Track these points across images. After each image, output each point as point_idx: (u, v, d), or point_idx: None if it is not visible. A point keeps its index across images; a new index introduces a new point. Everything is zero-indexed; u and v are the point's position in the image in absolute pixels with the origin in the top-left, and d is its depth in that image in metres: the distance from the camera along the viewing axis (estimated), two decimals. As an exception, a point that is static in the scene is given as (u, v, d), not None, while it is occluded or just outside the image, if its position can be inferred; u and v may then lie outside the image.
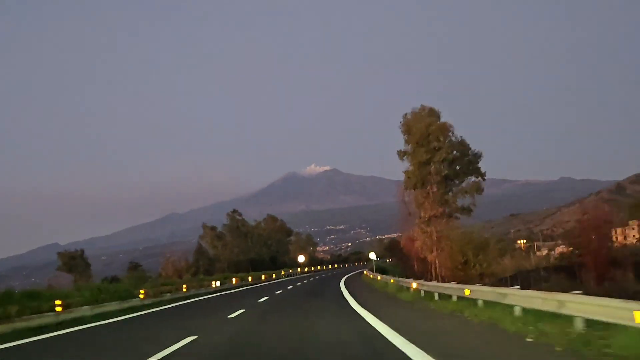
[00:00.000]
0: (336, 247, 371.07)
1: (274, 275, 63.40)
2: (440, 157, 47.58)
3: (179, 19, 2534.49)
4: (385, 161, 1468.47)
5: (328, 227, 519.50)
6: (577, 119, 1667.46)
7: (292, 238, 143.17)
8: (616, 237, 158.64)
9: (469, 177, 49.48)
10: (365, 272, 63.60)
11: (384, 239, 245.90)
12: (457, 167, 49.23)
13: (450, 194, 50.38)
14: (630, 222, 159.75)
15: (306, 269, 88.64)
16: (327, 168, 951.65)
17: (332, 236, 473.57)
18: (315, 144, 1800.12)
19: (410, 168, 49.87)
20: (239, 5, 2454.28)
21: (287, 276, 71.78)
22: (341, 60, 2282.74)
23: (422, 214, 49.88)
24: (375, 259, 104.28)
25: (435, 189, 49.87)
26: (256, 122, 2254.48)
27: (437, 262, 48.93)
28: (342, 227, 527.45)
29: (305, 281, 53.44)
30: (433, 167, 49.32)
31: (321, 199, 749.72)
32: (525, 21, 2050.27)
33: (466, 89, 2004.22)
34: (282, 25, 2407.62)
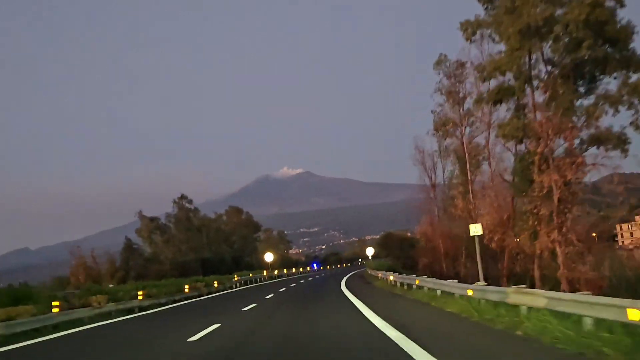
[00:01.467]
0: (310, 249, 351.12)
1: (216, 284, 34.16)
2: (573, 17, 19.92)
3: (151, 25, 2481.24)
4: (359, 163, 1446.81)
5: (302, 230, 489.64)
6: None
7: (261, 235, 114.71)
8: (622, 234, 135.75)
9: (623, 71, 21.96)
10: (381, 276, 36.12)
11: (365, 240, 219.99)
12: (599, 48, 21.61)
13: (579, 102, 22.73)
14: (637, 218, 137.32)
15: (276, 272, 60.24)
16: (300, 170, 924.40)
17: (306, 239, 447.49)
18: (288, 146, 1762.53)
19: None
20: (217, 12, 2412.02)
21: (245, 284, 43.47)
22: (312, 63, 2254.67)
23: (532, 149, 22.08)
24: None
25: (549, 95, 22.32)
26: (229, 125, 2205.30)
27: (560, 249, 21.23)
28: (315, 229, 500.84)
29: (269, 296, 25.43)
30: (549, 43, 21.77)
31: (294, 202, 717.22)
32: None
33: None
34: (254, 29, 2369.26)
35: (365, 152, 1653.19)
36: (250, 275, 47.84)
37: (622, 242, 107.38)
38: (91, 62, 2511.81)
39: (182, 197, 79.92)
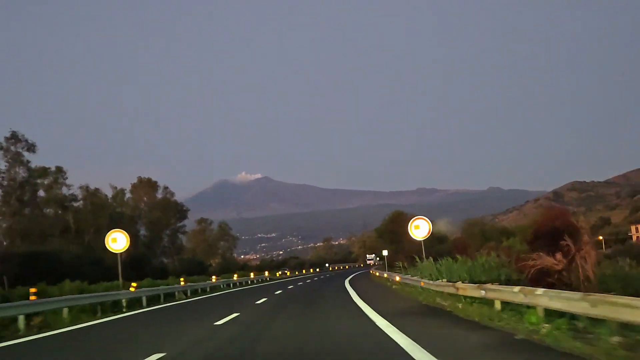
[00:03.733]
0: (267, 255, 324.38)
1: None
2: None
3: (111, 22, 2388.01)
4: (318, 169, 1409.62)
5: (259, 235, 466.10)
6: (503, 134, 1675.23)
7: (195, 225, 76.06)
8: (637, 236, 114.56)
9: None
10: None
11: (332, 242, 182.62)
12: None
13: None
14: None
15: (133, 286, 20.60)
16: (258, 176, 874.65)
17: (264, 244, 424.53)
18: (245, 151, 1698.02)
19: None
20: (174, 13, 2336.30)
21: None
22: (271, 67, 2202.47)
23: None
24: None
25: None
26: (186, 130, 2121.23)
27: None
28: (273, 234, 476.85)
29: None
30: None
31: (252, 207, 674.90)
32: (457, 41, 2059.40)
33: (402, 103, 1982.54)
34: (211, 31, 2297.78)
35: (324, 158, 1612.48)
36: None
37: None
38: (50, 55, 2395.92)
39: (14, 137, 39.77)
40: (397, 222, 44.22)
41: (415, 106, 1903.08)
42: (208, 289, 28.51)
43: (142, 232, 61.41)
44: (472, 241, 36.37)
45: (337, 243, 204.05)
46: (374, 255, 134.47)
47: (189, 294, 25.41)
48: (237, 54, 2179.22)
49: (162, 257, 61.46)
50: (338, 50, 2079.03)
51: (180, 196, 70.05)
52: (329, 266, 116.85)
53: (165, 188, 63.59)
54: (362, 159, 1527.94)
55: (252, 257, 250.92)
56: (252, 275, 41.26)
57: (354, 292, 20.68)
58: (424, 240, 20.62)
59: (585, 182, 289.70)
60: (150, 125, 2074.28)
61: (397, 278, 22.26)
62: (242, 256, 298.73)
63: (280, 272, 53.03)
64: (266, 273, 44.52)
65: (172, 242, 63.03)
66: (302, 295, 22.41)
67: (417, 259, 21.97)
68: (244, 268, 75.33)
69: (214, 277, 32.64)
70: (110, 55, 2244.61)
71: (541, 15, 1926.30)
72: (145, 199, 61.83)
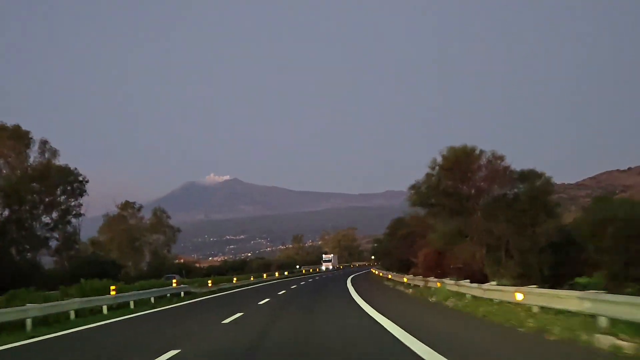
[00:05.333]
0: (235, 257, 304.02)
1: None
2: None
3: (79, 23, 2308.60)
4: (288, 171, 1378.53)
5: (228, 237, 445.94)
6: (476, 139, 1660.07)
7: (112, 210, 51.29)
8: None
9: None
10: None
11: (303, 243, 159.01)
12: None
13: None
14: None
15: None
16: (227, 177, 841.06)
17: (232, 246, 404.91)
18: (214, 153, 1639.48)
19: None
20: (145, 16, 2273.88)
21: None
22: (241, 68, 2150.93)
23: None
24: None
25: None
26: (153, 131, 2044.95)
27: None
28: (242, 237, 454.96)
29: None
30: None
31: (221, 209, 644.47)
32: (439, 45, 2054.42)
33: (376, 105, 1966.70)
34: (188, 32, 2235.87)
35: (294, 161, 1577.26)
36: None
37: None
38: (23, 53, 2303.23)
39: None
40: (465, 169, 19.92)
41: (386, 110, 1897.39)
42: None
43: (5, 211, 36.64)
44: None
45: (307, 244, 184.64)
46: (332, 255, 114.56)
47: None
48: (205, 55, 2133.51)
49: (35, 253, 36.84)
50: (309, 52, 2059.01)
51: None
52: (300, 268, 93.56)
53: (44, 143, 38.72)
54: (331, 162, 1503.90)
55: (220, 258, 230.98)
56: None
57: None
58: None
59: (556, 183, 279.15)
60: (123, 127, 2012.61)
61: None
62: (209, 258, 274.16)
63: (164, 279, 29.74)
64: (174, 283, 22.02)
65: (54, 228, 38.44)
66: None
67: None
68: (182, 273, 50.89)
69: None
70: (101, 56, 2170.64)
71: (542, 15, 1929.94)
72: (9, 159, 36.97)
